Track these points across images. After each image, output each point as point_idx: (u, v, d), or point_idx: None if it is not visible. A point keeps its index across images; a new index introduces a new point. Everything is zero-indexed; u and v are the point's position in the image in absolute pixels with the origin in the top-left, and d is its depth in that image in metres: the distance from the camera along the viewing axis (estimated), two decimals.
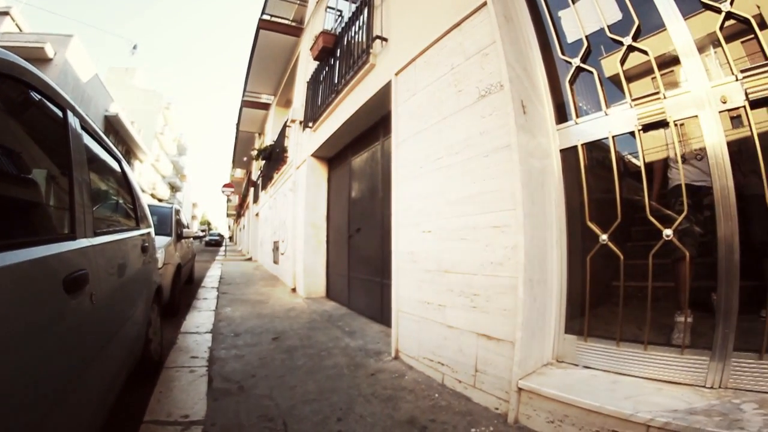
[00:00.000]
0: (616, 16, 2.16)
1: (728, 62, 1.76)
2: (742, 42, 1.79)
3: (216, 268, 9.92)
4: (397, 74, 3.24)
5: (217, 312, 4.47)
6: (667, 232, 1.91)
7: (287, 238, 7.36)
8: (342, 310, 4.91)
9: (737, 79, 1.71)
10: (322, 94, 5.47)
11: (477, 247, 2.29)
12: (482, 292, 2.24)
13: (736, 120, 1.79)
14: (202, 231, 40.09)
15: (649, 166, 2.13)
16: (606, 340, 2.07)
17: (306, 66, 6.73)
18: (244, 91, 11.58)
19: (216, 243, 28.61)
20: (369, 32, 3.90)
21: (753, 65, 1.68)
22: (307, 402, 2.13)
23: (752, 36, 1.71)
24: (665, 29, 1.92)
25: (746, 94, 1.67)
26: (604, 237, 2.11)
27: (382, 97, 3.49)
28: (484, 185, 2.28)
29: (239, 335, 3.49)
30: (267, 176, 10.45)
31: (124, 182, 2.39)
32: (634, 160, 2.22)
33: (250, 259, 14.58)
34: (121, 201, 2.30)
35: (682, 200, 1.91)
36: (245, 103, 12.39)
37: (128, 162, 21.85)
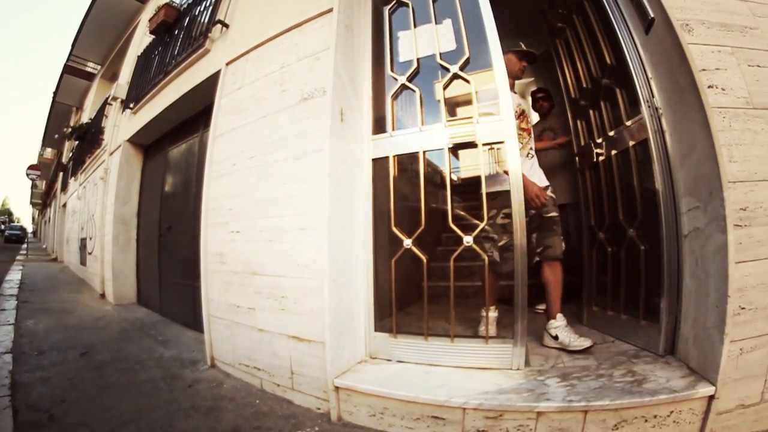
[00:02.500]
0: (451, 46, 2.33)
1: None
2: None
3: (16, 271, 8.33)
4: (228, 64, 3.07)
5: (18, 326, 3.79)
6: (467, 239, 2.12)
7: (95, 235, 6.31)
8: (155, 317, 4.52)
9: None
10: (150, 73, 4.86)
11: (284, 249, 2.29)
12: (290, 294, 2.24)
13: None
14: (2, 223, 31.90)
15: (455, 179, 2.34)
16: (416, 336, 2.20)
17: (141, 39, 5.90)
18: (70, 54, 9.55)
19: (18, 239, 22.89)
20: (213, 14, 3.62)
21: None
22: (125, 424, 1.95)
23: None
24: (492, 69, 2.13)
25: None
26: (408, 242, 2.25)
27: (210, 86, 3.25)
28: (294, 187, 2.29)
29: (44, 353, 3.02)
30: (78, 160, 8.64)
31: None
32: (444, 173, 2.37)
33: (55, 260, 12.17)
34: None
35: (483, 212, 2.14)
36: (68, 69, 10.21)
37: None
